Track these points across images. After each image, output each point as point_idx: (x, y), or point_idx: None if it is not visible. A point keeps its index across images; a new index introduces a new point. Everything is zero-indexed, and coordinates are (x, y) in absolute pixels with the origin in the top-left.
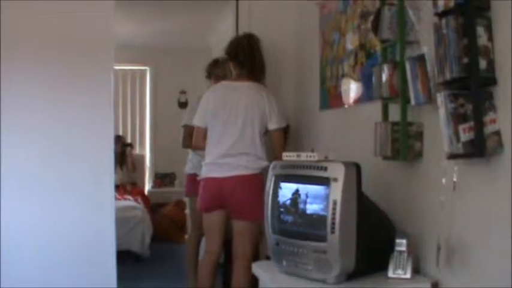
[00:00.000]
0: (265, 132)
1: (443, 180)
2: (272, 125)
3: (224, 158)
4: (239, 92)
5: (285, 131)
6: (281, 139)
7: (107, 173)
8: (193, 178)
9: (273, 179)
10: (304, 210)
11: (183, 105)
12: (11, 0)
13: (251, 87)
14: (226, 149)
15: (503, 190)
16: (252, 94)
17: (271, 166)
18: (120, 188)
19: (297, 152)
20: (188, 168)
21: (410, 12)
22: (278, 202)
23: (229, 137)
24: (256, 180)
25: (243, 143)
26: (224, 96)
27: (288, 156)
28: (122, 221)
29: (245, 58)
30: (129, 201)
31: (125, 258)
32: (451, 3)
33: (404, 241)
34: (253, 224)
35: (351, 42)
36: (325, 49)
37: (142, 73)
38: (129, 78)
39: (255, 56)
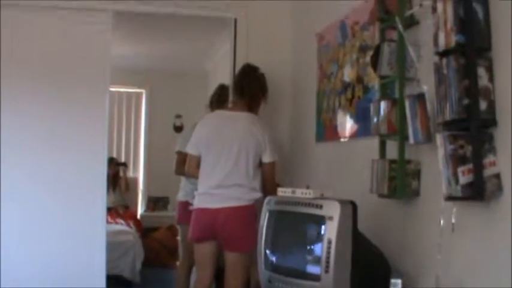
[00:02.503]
0: (259, 164)
1: (441, 222)
2: (266, 158)
3: (217, 188)
4: (234, 122)
5: None
6: (273, 173)
7: (99, 196)
8: (185, 206)
9: (267, 215)
10: (298, 248)
11: (178, 129)
12: (10, 20)
13: (246, 118)
14: (219, 179)
15: (503, 233)
16: (246, 125)
17: (265, 201)
18: (112, 211)
19: (292, 188)
20: (180, 196)
21: (411, 49)
22: (271, 238)
23: (223, 168)
24: (249, 212)
25: (236, 174)
26: (218, 125)
27: (283, 191)
28: (113, 246)
29: (242, 88)
30: (121, 226)
31: (115, 283)
32: (452, 43)
33: (399, 281)
34: (245, 255)
35: (348, 75)
36: (322, 81)
37: (138, 96)
38: (125, 101)
39: (251, 87)
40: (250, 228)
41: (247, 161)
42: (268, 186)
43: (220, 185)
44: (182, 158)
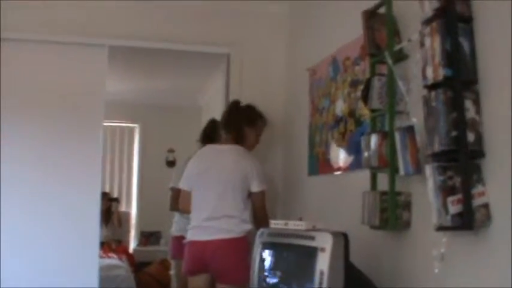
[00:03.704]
0: (249, 196)
1: (434, 253)
2: (253, 188)
3: (208, 221)
4: (221, 156)
5: None
6: (262, 202)
7: (92, 230)
8: (179, 240)
9: (260, 247)
10: (290, 280)
11: (171, 163)
12: (6, 54)
13: (233, 150)
14: (209, 212)
15: (492, 262)
16: (233, 157)
17: (258, 233)
18: (104, 246)
19: (284, 220)
20: (174, 230)
21: (400, 83)
22: (264, 270)
23: (211, 200)
24: (239, 244)
25: (225, 206)
26: (207, 159)
27: (275, 224)
28: (106, 280)
29: (230, 124)
30: (114, 260)
31: None
32: (440, 77)
33: None
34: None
35: (340, 109)
36: (314, 115)
37: (131, 130)
38: (118, 135)
39: (235, 121)
40: (241, 261)
41: (234, 193)
42: (258, 215)
43: (210, 218)
44: (176, 193)
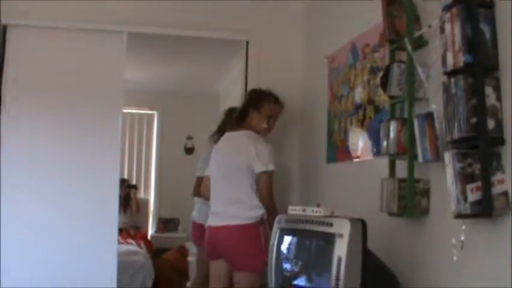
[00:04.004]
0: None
1: (453, 241)
2: (257, 169)
3: (222, 206)
4: (230, 142)
5: None
6: (267, 183)
7: (111, 217)
8: (199, 227)
9: (277, 233)
10: (308, 266)
11: (189, 151)
12: (23, 41)
13: (241, 135)
14: (221, 198)
15: (510, 250)
16: (239, 142)
17: (276, 219)
18: (123, 232)
19: (302, 206)
20: (195, 217)
21: (419, 70)
22: (282, 256)
23: (223, 187)
24: (249, 231)
25: (234, 191)
26: (220, 147)
27: (293, 210)
28: (124, 266)
29: (240, 109)
30: (132, 246)
31: None
32: (460, 63)
33: None
34: (249, 275)
35: (359, 96)
36: (333, 102)
37: (150, 117)
38: (137, 122)
39: (242, 106)
40: (253, 247)
41: (241, 177)
42: (262, 196)
43: (222, 203)
44: (198, 181)
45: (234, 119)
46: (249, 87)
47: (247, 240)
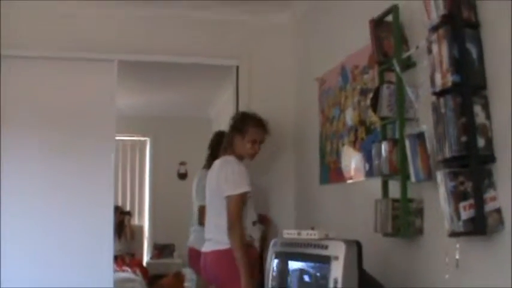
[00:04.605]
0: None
1: (446, 259)
2: (223, 193)
3: (209, 232)
4: (214, 168)
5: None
6: (231, 207)
7: (106, 244)
8: (194, 251)
9: (273, 257)
10: None
11: (182, 176)
12: (15, 71)
13: (220, 162)
14: (209, 224)
15: (505, 267)
16: (217, 168)
17: (271, 243)
18: (118, 260)
19: (297, 230)
20: (190, 241)
21: (409, 90)
22: (278, 280)
23: (209, 213)
24: (227, 255)
25: (215, 217)
26: (209, 173)
27: (288, 233)
28: None
29: (226, 135)
30: (128, 273)
31: None
32: (449, 83)
33: None
34: None
35: (350, 118)
36: (324, 124)
37: (143, 144)
38: (129, 149)
39: (230, 130)
40: (233, 271)
41: (219, 203)
42: (228, 222)
43: (210, 229)
44: (201, 209)
45: (222, 145)
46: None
47: (226, 265)
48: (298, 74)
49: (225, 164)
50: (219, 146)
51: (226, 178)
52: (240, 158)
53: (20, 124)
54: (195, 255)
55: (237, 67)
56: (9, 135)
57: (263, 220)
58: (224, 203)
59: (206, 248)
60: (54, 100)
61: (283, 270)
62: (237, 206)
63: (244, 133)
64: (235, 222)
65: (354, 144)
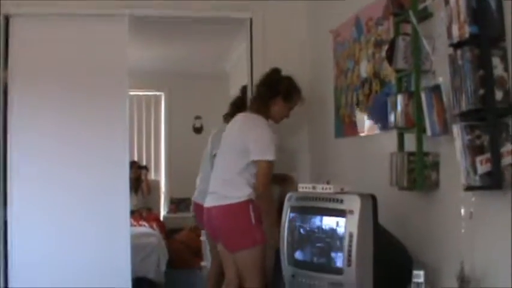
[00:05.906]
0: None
1: (462, 212)
2: (252, 156)
3: (216, 186)
4: (236, 123)
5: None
6: (263, 171)
7: (123, 200)
8: (199, 206)
9: (288, 211)
10: (320, 243)
11: (198, 130)
12: (26, 29)
13: (248, 119)
14: (217, 178)
15: None
16: (243, 125)
17: (286, 197)
18: (135, 214)
19: (312, 184)
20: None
21: (425, 42)
22: (294, 234)
23: (217, 168)
24: (235, 210)
25: (227, 172)
26: (229, 126)
27: (303, 187)
28: (137, 248)
29: (260, 94)
30: (145, 228)
31: (140, 285)
32: (466, 35)
33: (421, 272)
34: (246, 252)
35: (365, 70)
36: (339, 77)
37: (157, 98)
38: (144, 104)
39: (259, 89)
40: (241, 225)
41: (236, 158)
42: (257, 185)
43: (217, 183)
44: None
45: (255, 102)
46: (255, 66)
47: (234, 219)
48: (312, 26)
49: (255, 123)
50: (242, 100)
51: (258, 140)
52: (267, 118)
53: (31, 83)
54: (200, 210)
55: (251, 19)
56: (20, 93)
57: (285, 179)
58: (243, 160)
59: (209, 202)
60: (65, 58)
61: (298, 224)
62: (269, 172)
63: (289, 99)
64: (268, 187)
65: (367, 97)
